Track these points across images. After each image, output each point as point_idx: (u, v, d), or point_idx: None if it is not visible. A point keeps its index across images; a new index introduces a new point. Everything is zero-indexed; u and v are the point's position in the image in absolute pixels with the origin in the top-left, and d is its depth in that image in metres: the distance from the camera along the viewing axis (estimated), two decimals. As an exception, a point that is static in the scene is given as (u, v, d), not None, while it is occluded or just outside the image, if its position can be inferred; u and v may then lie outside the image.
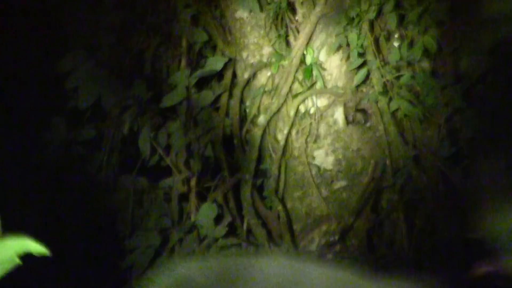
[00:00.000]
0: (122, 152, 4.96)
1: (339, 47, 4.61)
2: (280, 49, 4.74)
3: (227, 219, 4.77)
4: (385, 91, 4.55)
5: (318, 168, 4.67)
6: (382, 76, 4.55)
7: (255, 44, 4.82)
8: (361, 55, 4.56)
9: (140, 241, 4.76)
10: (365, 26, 4.52)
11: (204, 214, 4.73)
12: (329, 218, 4.62)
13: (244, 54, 4.85)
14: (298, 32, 4.70)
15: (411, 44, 4.53)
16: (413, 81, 4.52)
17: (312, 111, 4.69)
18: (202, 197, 4.84)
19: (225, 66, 4.87)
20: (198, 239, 4.71)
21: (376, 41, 4.59)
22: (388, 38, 4.61)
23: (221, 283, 1.15)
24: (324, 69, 4.67)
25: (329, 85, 4.67)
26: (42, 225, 4.55)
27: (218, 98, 4.91)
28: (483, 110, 4.48)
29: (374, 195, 4.61)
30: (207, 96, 4.86)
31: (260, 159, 4.80)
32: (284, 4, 4.66)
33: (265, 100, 4.80)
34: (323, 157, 4.68)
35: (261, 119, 4.77)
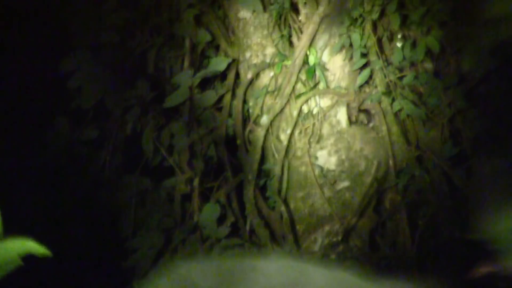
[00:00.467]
0: (125, 152, 4.96)
1: (342, 48, 4.61)
2: (283, 49, 4.74)
3: (230, 219, 4.78)
4: (388, 91, 4.55)
5: (321, 168, 4.66)
6: (385, 77, 4.55)
7: (258, 44, 4.82)
8: (364, 55, 4.56)
9: (142, 241, 4.76)
10: (368, 27, 4.52)
11: (207, 214, 4.73)
12: (332, 219, 4.61)
13: (247, 55, 4.85)
14: (301, 32, 4.70)
15: (414, 45, 4.53)
16: (416, 82, 4.52)
17: (315, 111, 4.69)
18: (205, 197, 4.84)
19: (228, 66, 4.88)
20: (201, 239, 4.71)
21: (379, 42, 4.59)
22: (391, 38, 4.61)
23: (223, 284, 1.15)
24: (327, 70, 4.66)
25: (332, 86, 4.67)
26: (44, 225, 4.56)
27: (221, 98, 4.91)
28: (486, 111, 4.48)
29: (377, 195, 4.61)
30: (210, 96, 4.87)
31: (263, 159, 4.80)
32: (287, 5, 4.66)
33: (268, 101, 4.80)
34: (326, 158, 4.67)
35: (264, 120, 4.77)
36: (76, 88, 4.85)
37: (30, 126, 4.92)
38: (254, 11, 4.79)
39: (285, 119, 4.74)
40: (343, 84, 4.66)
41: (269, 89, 4.78)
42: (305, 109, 4.72)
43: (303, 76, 4.68)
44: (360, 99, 4.67)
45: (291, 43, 4.76)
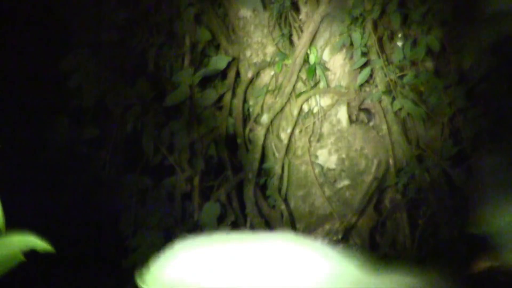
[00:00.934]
0: (125, 151, 4.96)
1: (342, 47, 4.61)
2: (283, 48, 4.74)
3: (230, 218, 4.78)
4: (388, 90, 4.55)
5: (321, 167, 4.67)
6: (385, 76, 4.55)
7: (258, 43, 4.82)
8: (364, 54, 4.56)
9: (143, 240, 4.76)
10: (369, 26, 4.52)
11: (207, 213, 4.73)
12: (332, 217, 4.62)
13: (248, 53, 4.85)
14: (302, 31, 4.70)
15: (414, 44, 4.53)
16: (416, 81, 4.52)
17: (315, 110, 4.69)
18: (205, 196, 4.85)
19: (229, 65, 4.88)
20: (201, 238, 4.70)
21: (380, 41, 4.59)
22: (392, 37, 4.61)
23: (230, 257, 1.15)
24: (328, 69, 4.66)
25: (333, 85, 4.67)
26: (45, 224, 4.55)
27: (221, 97, 4.91)
28: (486, 110, 4.48)
29: (377, 194, 4.61)
30: (211, 95, 4.87)
31: (263, 158, 4.81)
32: (287, 3, 4.65)
33: (269, 99, 4.80)
34: (326, 156, 4.67)
35: (264, 118, 4.77)
36: (76, 87, 4.84)
37: (31, 125, 4.92)
38: (254, 9, 4.79)
39: (285, 118, 4.74)
40: (344, 83, 4.66)
41: (270, 88, 4.79)
42: (305, 108, 4.72)
43: (303, 75, 4.69)
44: (361, 98, 4.67)
45: (291, 42, 4.76)
